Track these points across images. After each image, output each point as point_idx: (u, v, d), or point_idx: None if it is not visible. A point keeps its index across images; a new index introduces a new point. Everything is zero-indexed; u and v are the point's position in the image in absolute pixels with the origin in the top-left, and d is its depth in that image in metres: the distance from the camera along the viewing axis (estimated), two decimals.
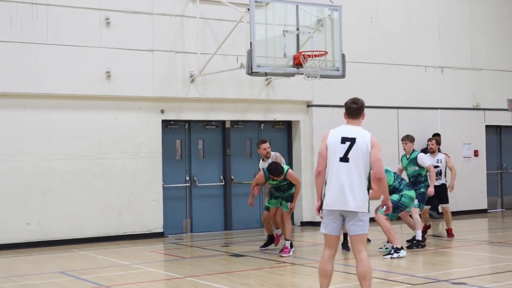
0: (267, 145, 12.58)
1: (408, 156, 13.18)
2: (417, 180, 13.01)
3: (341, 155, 6.87)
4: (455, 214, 17.96)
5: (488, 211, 19.43)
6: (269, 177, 11.82)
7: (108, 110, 14.49)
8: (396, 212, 11.84)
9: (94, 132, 14.33)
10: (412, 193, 11.97)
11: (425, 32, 18.70)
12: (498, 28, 20.07)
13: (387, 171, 11.61)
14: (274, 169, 11.63)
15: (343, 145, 6.88)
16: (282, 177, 11.71)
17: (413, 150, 13.19)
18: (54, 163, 13.93)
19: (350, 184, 6.82)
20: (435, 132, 18.21)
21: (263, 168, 12.07)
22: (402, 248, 11.41)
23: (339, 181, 6.85)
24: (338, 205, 6.86)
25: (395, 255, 11.24)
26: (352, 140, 6.89)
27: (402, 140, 13.36)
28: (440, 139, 18.03)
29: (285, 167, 11.88)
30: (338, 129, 7.07)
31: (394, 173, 12.10)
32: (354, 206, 6.82)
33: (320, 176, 7.00)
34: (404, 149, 13.27)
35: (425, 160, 13.06)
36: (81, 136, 14.17)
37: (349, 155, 6.85)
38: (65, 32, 14.02)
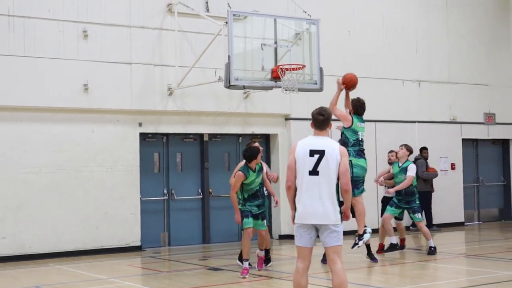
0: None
1: (400, 164, 13.29)
2: (409, 190, 13.10)
3: (310, 169, 6.87)
4: (432, 226, 18.04)
5: (465, 224, 19.55)
6: (248, 170, 11.14)
7: (85, 123, 14.43)
8: (357, 187, 11.32)
9: (72, 145, 14.26)
10: (361, 161, 11.58)
11: (402, 46, 18.83)
12: (475, 42, 20.26)
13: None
14: (250, 150, 11.17)
15: (312, 158, 6.88)
16: (259, 158, 11.30)
17: (407, 160, 13.29)
18: (31, 176, 13.84)
19: (320, 197, 6.83)
20: (423, 146, 18.41)
21: (239, 169, 11.30)
22: (365, 231, 11.15)
23: (310, 194, 6.85)
24: (310, 218, 6.88)
25: (360, 242, 11.08)
26: (321, 153, 6.88)
27: (399, 146, 13.51)
28: (427, 152, 18.25)
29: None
30: (305, 140, 7.05)
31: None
32: (326, 219, 6.84)
33: (291, 189, 7.01)
34: (397, 156, 13.41)
35: (412, 170, 13.14)
36: (58, 149, 14.09)
37: (319, 168, 6.86)
38: (42, 45, 13.96)
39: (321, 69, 14.12)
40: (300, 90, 13.58)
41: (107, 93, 14.52)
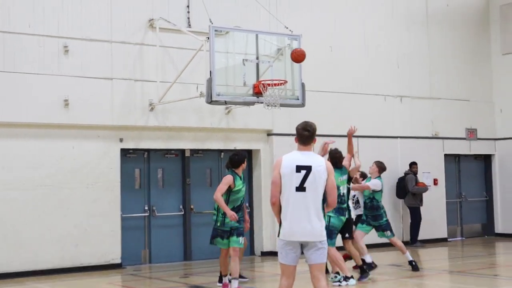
0: None
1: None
2: (373, 205, 12.98)
3: (297, 185, 6.76)
4: (416, 242, 18.03)
5: (448, 239, 19.55)
6: (236, 176, 10.92)
7: (65, 139, 14.31)
8: (331, 237, 11.11)
9: (51, 161, 14.13)
10: (340, 218, 11.46)
11: (384, 62, 18.88)
12: (456, 58, 20.37)
13: None
14: (238, 154, 10.98)
15: (298, 173, 6.77)
16: (245, 165, 11.11)
17: (378, 176, 13.24)
18: (10, 192, 13.68)
19: (307, 214, 6.73)
20: (412, 161, 18.48)
21: (228, 172, 11.12)
22: (352, 277, 11.38)
23: (297, 211, 6.74)
24: (297, 236, 6.77)
25: (344, 283, 11.23)
26: (308, 168, 6.78)
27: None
28: (416, 167, 18.33)
29: None
30: (291, 156, 6.93)
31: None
32: (313, 236, 6.76)
33: (276, 205, 6.91)
34: (369, 172, 13.42)
35: (374, 184, 13.06)
36: (38, 165, 13.94)
37: (306, 184, 6.76)
38: (22, 60, 13.85)
39: (303, 85, 14.13)
40: (282, 105, 13.57)
41: (88, 108, 14.41)
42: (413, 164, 18.56)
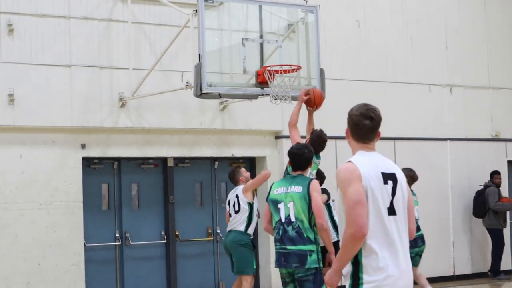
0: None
1: None
2: None
3: (388, 204, 5.71)
4: (469, 277, 18.01)
5: None
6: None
7: (10, 145, 14.35)
8: None
9: None
10: None
11: (428, 41, 18.85)
12: None
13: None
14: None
15: (386, 186, 5.74)
16: None
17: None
18: None
19: (404, 252, 5.74)
20: (494, 170, 18.54)
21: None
22: None
23: (393, 249, 5.69)
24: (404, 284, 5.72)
25: None
26: (393, 178, 5.80)
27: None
28: (500, 178, 18.40)
29: None
30: (364, 158, 5.82)
31: None
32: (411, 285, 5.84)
33: (363, 241, 5.62)
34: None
35: None
36: None
37: (394, 203, 5.75)
38: None
39: (321, 71, 14.12)
40: (294, 98, 13.53)
41: (39, 105, 14.44)
42: (495, 174, 18.73)
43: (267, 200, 10.03)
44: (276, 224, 9.66)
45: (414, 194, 13.19)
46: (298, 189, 9.55)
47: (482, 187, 18.61)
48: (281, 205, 9.60)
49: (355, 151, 5.90)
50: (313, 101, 12.19)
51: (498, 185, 18.49)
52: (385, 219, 5.65)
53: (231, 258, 13.19)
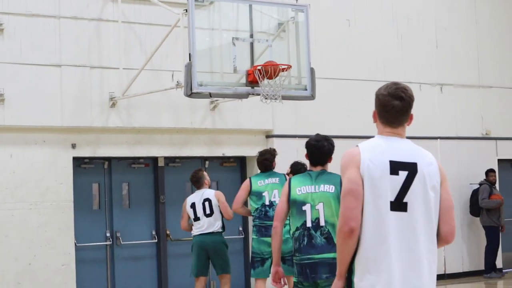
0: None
1: None
2: None
3: (392, 198, 4.98)
4: (460, 275, 18.05)
5: (503, 270, 19.49)
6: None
7: (0, 145, 14.36)
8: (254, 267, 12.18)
9: None
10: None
11: (418, 40, 18.88)
12: (511, 35, 20.42)
13: None
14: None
15: (395, 177, 5.01)
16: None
17: None
18: None
19: (416, 258, 4.96)
20: (490, 168, 18.62)
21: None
22: None
23: (395, 252, 4.95)
24: None
25: None
26: (412, 168, 5.05)
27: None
28: (495, 175, 18.50)
29: None
30: (375, 144, 5.17)
31: None
32: None
33: (354, 236, 4.96)
34: None
35: None
36: None
37: (407, 198, 5.00)
38: None
39: (312, 70, 14.15)
40: (284, 98, 13.59)
41: (30, 105, 14.45)
42: (490, 172, 18.85)
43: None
44: (296, 229, 8.31)
45: None
46: (330, 188, 8.28)
47: (477, 185, 18.69)
48: (306, 207, 8.28)
49: (379, 135, 5.26)
50: None
51: (492, 183, 18.56)
52: (383, 215, 4.93)
53: (210, 259, 13.23)
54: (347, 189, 4.98)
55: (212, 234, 13.07)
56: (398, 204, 4.95)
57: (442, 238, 5.06)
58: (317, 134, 8.79)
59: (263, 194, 12.13)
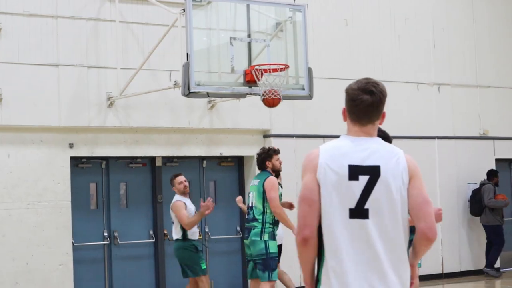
0: (183, 177, 13.39)
1: None
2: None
3: (352, 205, 4.74)
4: (458, 275, 18.09)
5: (501, 269, 19.52)
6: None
7: None
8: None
9: None
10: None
11: (416, 39, 18.89)
12: (510, 36, 20.38)
13: None
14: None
15: (354, 182, 4.75)
16: None
17: None
18: None
19: (377, 264, 4.73)
20: (491, 169, 18.69)
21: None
22: None
23: (354, 259, 4.72)
24: None
25: None
26: (373, 172, 4.77)
27: None
28: (497, 178, 18.65)
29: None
30: (335, 146, 4.91)
31: None
32: None
33: (310, 244, 4.76)
34: None
35: None
36: None
37: (368, 204, 4.74)
38: None
39: (309, 70, 14.18)
40: (282, 97, 13.57)
41: (27, 104, 14.46)
42: (492, 173, 18.95)
43: None
44: None
45: None
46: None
47: (475, 184, 18.75)
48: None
49: (346, 135, 5.00)
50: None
51: (496, 184, 18.67)
52: (342, 224, 4.71)
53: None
54: (301, 196, 4.79)
55: (175, 241, 13.43)
56: (359, 211, 4.70)
57: (421, 236, 4.77)
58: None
59: (249, 195, 12.33)
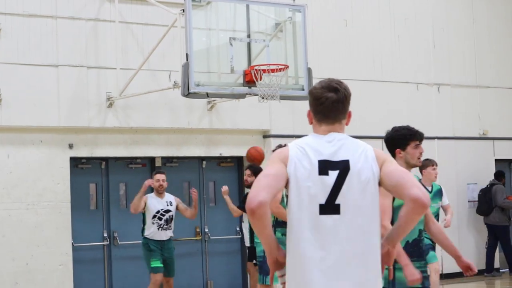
0: (162, 176, 13.55)
1: (430, 189, 13.30)
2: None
3: (323, 201, 4.61)
4: (458, 275, 18.08)
5: (501, 270, 19.52)
6: None
7: None
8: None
9: None
10: None
11: (416, 40, 18.91)
12: (510, 36, 20.39)
13: None
14: None
15: (324, 177, 4.63)
16: None
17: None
18: None
19: (349, 262, 4.61)
20: (499, 170, 18.83)
21: None
22: None
23: (324, 256, 4.58)
24: None
25: None
26: (343, 166, 4.68)
27: (430, 165, 13.50)
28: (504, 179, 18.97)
29: None
30: (306, 143, 4.78)
31: None
32: None
33: (256, 216, 4.49)
34: (431, 177, 13.40)
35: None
36: None
37: (340, 199, 4.63)
38: None
39: (309, 70, 14.20)
40: (282, 98, 13.62)
41: (27, 105, 14.48)
42: (500, 174, 19.13)
43: None
44: None
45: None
46: None
47: (474, 184, 18.83)
48: None
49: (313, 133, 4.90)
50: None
51: (503, 185, 18.85)
52: (312, 220, 4.59)
53: None
54: (264, 173, 4.66)
55: None
56: (330, 207, 4.58)
57: (414, 204, 4.50)
58: None
59: None
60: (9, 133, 14.48)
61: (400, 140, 7.61)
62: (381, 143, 17.53)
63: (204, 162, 16.66)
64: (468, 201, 19.18)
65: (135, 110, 15.34)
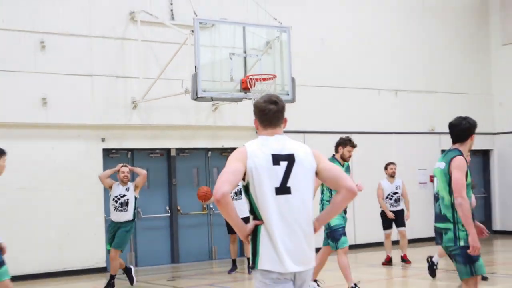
0: (126, 169, 12.67)
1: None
2: None
3: (277, 185, 4.87)
4: (411, 241, 18.20)
5: None
6: None
7: (44, 139, 14.46)
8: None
9: (30, 163, 14.27)
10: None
11: (378, 54, 19.01)
12: (454, 49, 20.51)
13: None
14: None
15: (276, 167, 4.89)
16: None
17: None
18: None
19: (298, 228, 4.89)
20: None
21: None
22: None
23: (282, 224, 4.85)
24: (290, 265, 4.87)
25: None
26: (290, 158, 4.94)
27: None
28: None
29: None
30: (259, 142, 5.01)
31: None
32: (309, 262, 4.97)
33: (221, 204, 4.73)
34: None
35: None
36: (16, 168, 13.84)
37: (290, 183, 4.90)
38: None
39: (293, 79, 14.29)
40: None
41: (67, 107, 14.55)
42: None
43: None
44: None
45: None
46: (441, 165, 7.44)
47: (427, 171, 18.96)
48: (434, 180, 7.56)
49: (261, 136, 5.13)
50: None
51: None
52: (270, 199, 4.83)
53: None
54: (227, 170, 4.85)
55: None
56: (282, 189, 4.87)
57: (347, 193, 4.95)
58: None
59: None
60: (53, 129, 14.56)
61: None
62: (357, 137, 17.79)
63: (210, 152, 16.73)
64: (419, 183, 19.33)
65: (154, 111, 15.41)
